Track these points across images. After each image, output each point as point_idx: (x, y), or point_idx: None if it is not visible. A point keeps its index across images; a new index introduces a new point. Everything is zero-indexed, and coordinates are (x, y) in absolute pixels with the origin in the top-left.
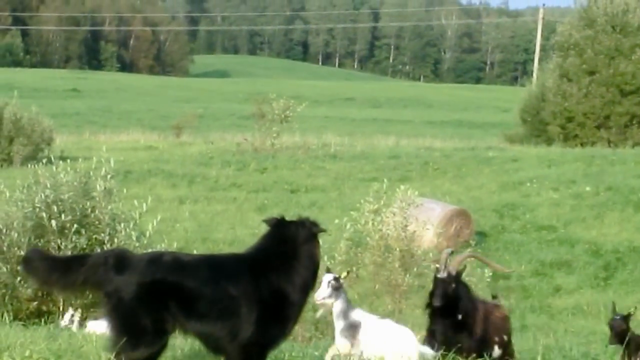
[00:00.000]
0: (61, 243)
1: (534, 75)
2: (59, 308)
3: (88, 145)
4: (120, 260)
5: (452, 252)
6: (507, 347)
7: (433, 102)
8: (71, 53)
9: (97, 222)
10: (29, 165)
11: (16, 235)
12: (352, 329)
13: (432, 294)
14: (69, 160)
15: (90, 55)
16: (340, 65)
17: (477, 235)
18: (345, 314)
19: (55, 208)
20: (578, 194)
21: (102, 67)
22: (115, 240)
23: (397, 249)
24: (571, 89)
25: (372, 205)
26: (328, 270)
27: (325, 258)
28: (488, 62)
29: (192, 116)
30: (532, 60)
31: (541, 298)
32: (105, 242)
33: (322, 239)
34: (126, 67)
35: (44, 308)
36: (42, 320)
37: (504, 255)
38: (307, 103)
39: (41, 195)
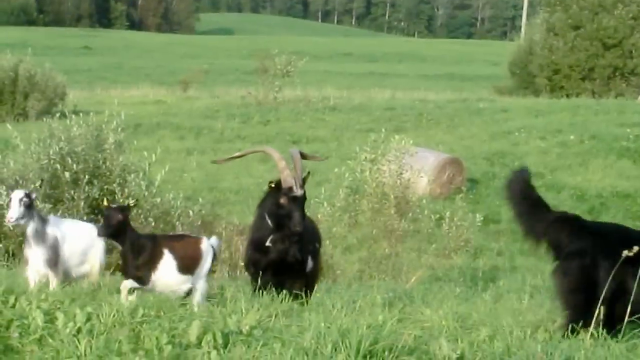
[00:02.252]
0: (74, 193)
1: (522, 30)
2: None
3: (100, 100)
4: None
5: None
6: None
7: (427, 56)
8: (82, 12)
9: (108, 173)
10: (44, 120)
11: (32, 186)
12: (53, 251)
13: (289, 219)
14: (81, 115)
15: (101, 14)
16: (338, 22)
17: (469, 182)
18: (41, 235)
19: (69, 160)
20: (564, 142)
21: (112, 25)
22: (126, 190)
23: (393, 196)
24: (557, 42)
25: (369, 155)
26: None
27: (325, 204)
28: (479, 18)
29: (198, 72)
30: (521, 15)
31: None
32: (116, 192)
33: (323, 187)
34: (135, 25)
35: None
36: None
37: (495, 200)
38: (308, 58)
39: (55, 148)
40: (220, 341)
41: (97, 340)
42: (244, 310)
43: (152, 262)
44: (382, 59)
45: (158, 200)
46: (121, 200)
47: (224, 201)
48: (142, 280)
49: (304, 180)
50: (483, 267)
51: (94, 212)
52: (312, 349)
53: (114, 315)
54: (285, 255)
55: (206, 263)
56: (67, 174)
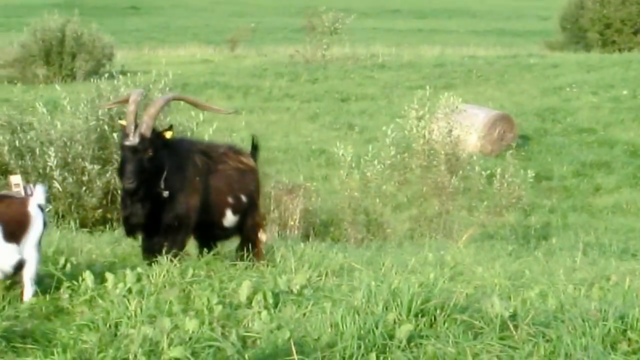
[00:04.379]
0: None
1: None
2: None
3: (147, 60)
4: None
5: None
6: (248, 209)
7: (476, 12)
8: None
9: None
10: (92, 80)
11: (80, 147)
12: None
13: (120, 172)
14: (129, 75)
15: None
16: None
17: (520, 138)
18: None
19: (117, 120)
20: (616, 98)
21: None
22: None
23: (443, 153)
24: None
25: (417, 112)
26: None
27: (376, 162)
28: None
29: (246, 30)
30: None
31: (582, 197)
32: None
33: (371, 145)
34: None
35: (109, 216)
36: (107, 227)
37: (547, 157)
38: (356, 15)
39: (103, 109)
40: (270, 301)
41: (147, 300)
42: (294, 270)
43: None
44: (431, 15)
45: None
46: None
47: (272, 160)
48: None
49: (156, 132)
50: (535, 224)
51: None
52: (362, 308)
53: (164, 276)
54: (128, 216)
55: (35, 227)
56: (115, 135)
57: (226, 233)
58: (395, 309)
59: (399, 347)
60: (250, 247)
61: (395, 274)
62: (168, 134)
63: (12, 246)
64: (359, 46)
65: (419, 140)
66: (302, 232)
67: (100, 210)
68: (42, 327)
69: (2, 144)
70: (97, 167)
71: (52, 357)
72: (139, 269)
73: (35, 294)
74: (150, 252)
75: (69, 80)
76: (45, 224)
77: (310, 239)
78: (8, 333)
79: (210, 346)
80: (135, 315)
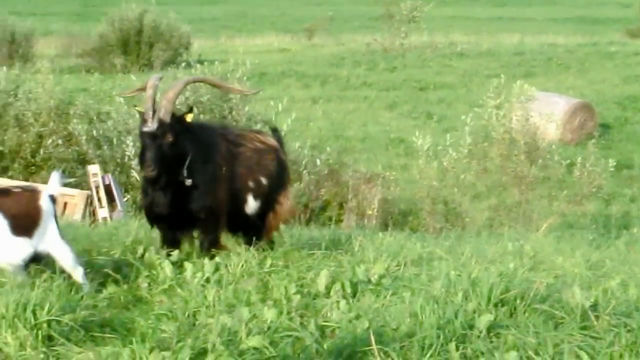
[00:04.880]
0: None
1: None
2: None
3: (224, 49)
4: None
5: (161, 78)
6: (270, 195)
7: None
8: None
9: (234, 123)
10: (169, 69)
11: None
12: None
13: (140, 160)
14: (206, 64)
15: None
16: None
17: (600, 127)
18: None
19: (195, 110)
20: None
21: None
22: None
23: (522, 142)
24: None
25: (494, 101)
26: None
27: (453, 151)
28: None
29: (323, 19)
30: None
31: None
32: None
33: (449, 134)
34: None
35: None
36: None
37: (627, 145)
38: (434, 3)
39: (182, 98)
40: (348, 290)
41: (225, 290)
42: (372, 259)
43: None
44: (510, 3)
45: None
46: None
47: (350, 149)
48: None
49: (176, 116)
50: (616, 213)
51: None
52: (442, 298)
53: (242, 266)
54: (150, 205)
55: (49, 219)
56: None
57: (248, 222)
58: (475, 298)
59: (478, 336)
60: (270, 236)
61: (475, 263)
62: (189, 117)
63: (22, 240)
64: (437, 34)
65: (498, 129)
66: (380, 221)
67: None
68: (120, 316)
69: (80, 133)
70: None
71: (130, 346)
72: (217, 259)
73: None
74: (171, 244)
75: (146, 70)
76: (55, 216)
77: (388, 229)
78: (87, 322)
79: (288, 336)
80: (214, 305)
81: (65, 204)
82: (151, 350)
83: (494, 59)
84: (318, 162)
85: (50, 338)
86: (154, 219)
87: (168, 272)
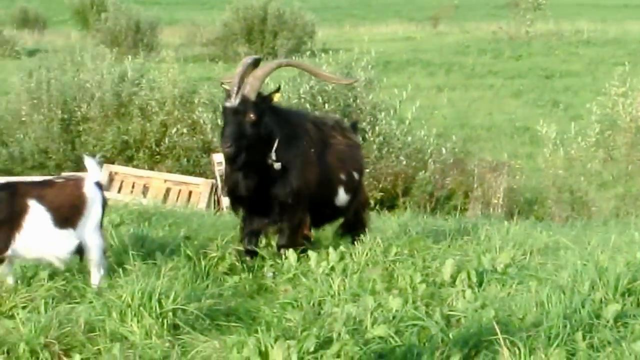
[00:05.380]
0: None
1: None
2: None
3: (348, 37)
4: None
5: (257, 61)
6: (358, 187)
7: None
8: None
9: (359, 111)
10: (293, 58)
11: None
12: None
13: (221, 135)
14: (330, 53)
15: None
16: None
17: None
18: None
19: (319, 99)
20: None
21: None
22: (377, 128)
23: None
24: None
25: (617, 89)
26: None
27: (580, 139)
28: None
29: (448, 7)
30: None
31: None
32: (367, 130)
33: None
34: None
35: None
36: None
37: None
38: None
39: (306, 87)
40: (474, 280)
41: (350, 279)
42: (497, 248)
43: (12, 219)
44: None
45: (409, 138)
46: (371, 139)
47: (475, 138)
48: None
49: (262, 96)
50: None
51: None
52: (569, 287)
53: (366, 254)
54: (233, 187)
55: (93, 209)
56: (317, 113)
57: (335, 213)
58: (602, 287)
59: (605, 326)
60: (357, 228)
61: (601, 252)
62: (276, 97)
63: (66, 232)
64: (563, 22)
65: (624, 117)
66: (506, 210)
67: None
68: (245, 305)
69: (205, 122)
70: None
71: (255, 335)
72: (341, 247)
73: (101, 278)
74: (253, 234)
75: (270, 58)
76: (104, 203)
77: (513, 217)
78: (212, 311)
79: (413, 325)
80: (339, 294)
81: (190, 192)
82: (276, 339)
83: (620, 47)
84: (443, 150)
85: (175, 327)
86: (234, 200)
87: (292, 261)
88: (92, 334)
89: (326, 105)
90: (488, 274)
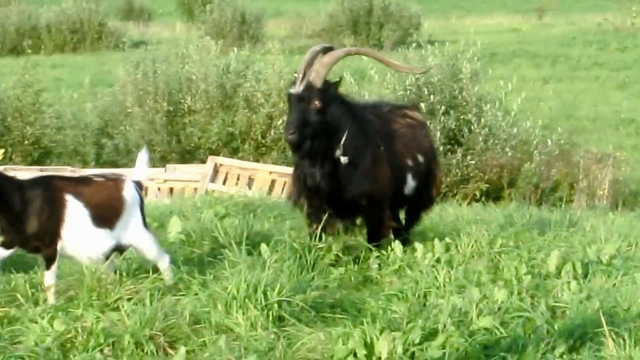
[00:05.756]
0: (430, 124)
1: None
2: None
3: (454, 29)
4: None
5: (327, 49)
6: (427, 171)
7: None
8: None
9: (464, 103)
10: (399, 50)
11: None
12: None
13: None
14: (436, 44)
15: None
16: None
17: None
18: None
19: (425, 90)
20: None
21: None
22: (482, 120)
23: None
24: None
25: None
26: None
27: None
28: None
29: None
30: None
31: None
32: (472, 122)
33: None
34: None
35: None
36: None
37: None
38: None
39: (411, 79)
40: (579, 271)
41: (455, 270)
42: (603, 240)
43: (50, 216)
44: None
45: (514, 130)
46: (477, 131)
47: (580, 129)
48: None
49: (329, 83)
50: None
51: (450, 142)
52: None
53: (472, 246)
54: (304, 178)
55: (133, 210)
56: (422, 105)
57: (404, 203)
58: None
59: None
60: (419, 215)
61: None
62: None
63: (102, 232)
64: None
65: None
66: (611, 201)
67: None
68: (351, 296)
69: None
70: None
71: (361, 326)
72: (447, 239)
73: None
74: (327, 230)
75: (377, 49)
76: (142, 203)
77: (618, 209)
78: (317, 303)
79: (519, 316)
80: (444, 286)
81: (284, 182)
82: (382, 331)
83: None
84: (549, 142)
85: (280, 318)
86: (304, 193)
87: (398, 253)
88: (197, 326)
89: (432, 97)
90: (593, 265)
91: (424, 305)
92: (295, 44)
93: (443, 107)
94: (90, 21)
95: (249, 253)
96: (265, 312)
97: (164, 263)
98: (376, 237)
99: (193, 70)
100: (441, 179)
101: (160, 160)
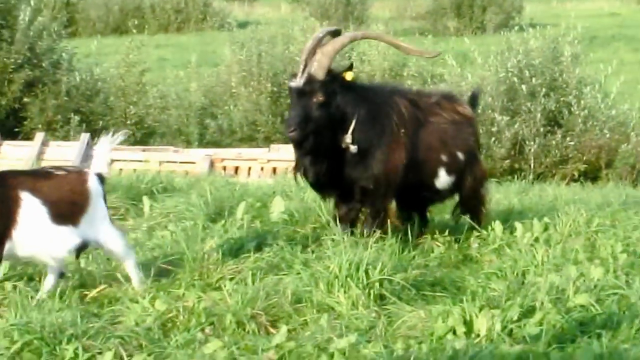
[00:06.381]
0: (531, 106)
1: None
2: (529, 166)
3: (556, 13)
4: None
5: (335, 32)
6: (466, 167)
7: None
8: None
9: (564, 86)
10: (501, 33)
11: (490, 98)
12: None
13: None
14: (538, 28)
15: None
16: None
17: None
18: None
19: (526, 73)
20: None
21: None
22: (582, 102)
23: None
24: None
25: None
26: None
27: None
28: None
29: None
30: None
31: None
32: (572, 104)
33: None
34: None
35: (516, 166)
36: (514, 177)
37: None
38: None
39: (513, 61)
40: None
41: (553, 249)
42: None
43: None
44: None
45: (613, 112)
46: (576, 113)
47: None
48: None
49: (333, 74)
50: None
51: (549, 124)
52: None
53: (569, 225)
54: (304, 174)
55: (98, 204)
56: (523, 87)
57: (438, 196)
58: None
59: None
60: (471, 209)
61: None
62: (348, 75)
63: (66, 229)
64: None
65: None
66: None
67: (508, 160)
68: (451, 275)
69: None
70: (505, 118)
71: (460, 304)
72: (545, 219)
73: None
74: (344, 222)
75: (479, 33)
76: (104, 195)
77: None
78: (418, 282)
79: (614, 294)
80: (542, 264)
81: None
82: (481, 309)
83: None
84: None
85: (381, 297)
86: (315, 188)
87: (498, 232)
88: (298, 305)
89: (533, 79)
90: None
91: (522, 283)
92: (399, 26)
93: (544, 90)
94: (194, 1)
95: (351, 232)
96: (367, 290)
97: (130, 262)
98: (371, 225)
99: (297, 52)
100: (486, 171)
101: (264, 140)
